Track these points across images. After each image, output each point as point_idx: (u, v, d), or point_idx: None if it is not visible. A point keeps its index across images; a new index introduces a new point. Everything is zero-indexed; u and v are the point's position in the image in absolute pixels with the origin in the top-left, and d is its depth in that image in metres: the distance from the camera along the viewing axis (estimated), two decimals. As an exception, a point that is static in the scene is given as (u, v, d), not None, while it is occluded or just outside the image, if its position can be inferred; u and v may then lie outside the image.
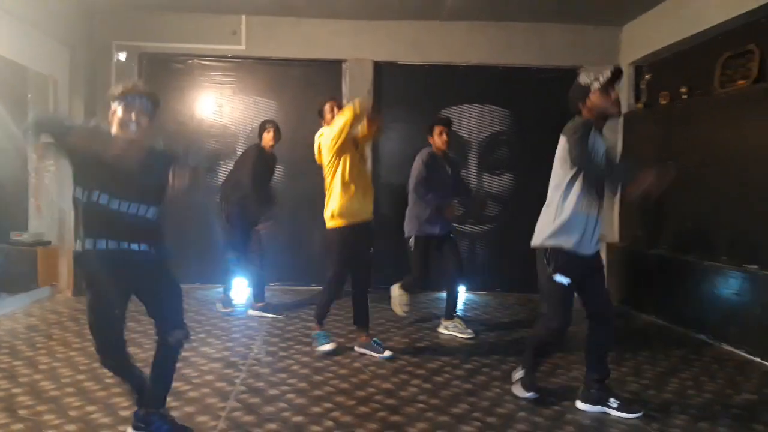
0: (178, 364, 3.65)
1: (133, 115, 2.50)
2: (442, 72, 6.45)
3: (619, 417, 3.05)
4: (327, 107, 4.09)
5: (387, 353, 3.97)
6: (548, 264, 3.01)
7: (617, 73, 2.93)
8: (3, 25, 4.75)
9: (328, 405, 3.16)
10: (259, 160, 5.00)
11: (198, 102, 6.44)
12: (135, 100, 2.53)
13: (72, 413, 2.93)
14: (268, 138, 5.05)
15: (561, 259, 2.98)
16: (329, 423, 2.93)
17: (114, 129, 2.51)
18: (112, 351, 2.64)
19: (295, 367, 3.74)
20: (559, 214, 2.98)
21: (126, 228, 2.52)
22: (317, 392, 3.34)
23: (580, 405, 3.19)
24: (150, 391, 2.68)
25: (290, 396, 3.27)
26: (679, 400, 3.38)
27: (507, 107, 6.53)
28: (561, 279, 2.99)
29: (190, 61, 6.42)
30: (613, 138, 6.37)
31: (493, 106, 6.51)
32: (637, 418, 3.04)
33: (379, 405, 3.18)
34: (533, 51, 6.35)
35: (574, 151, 2.89)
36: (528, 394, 3.24)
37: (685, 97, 5.40)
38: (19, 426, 2.77)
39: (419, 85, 6.50)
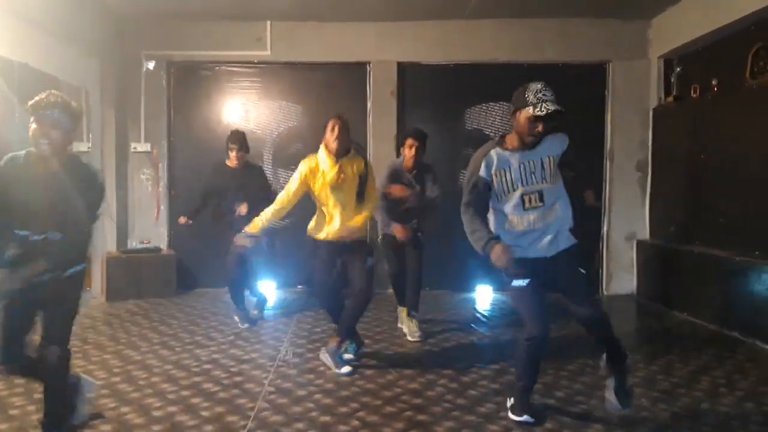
0: (208, 366, 3.77)
1: (45, 131, 2.43)
2: (467, 71, 6.42)
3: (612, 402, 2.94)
4: (329, 125, 3.78)
5: (345, 369, 3.72)
6: (504, 275, 2.93)
7: (553, 112, 2.80)
8: (35, 37, 4.90)
9: (355, 405, 3.18)
10: (214, 176, 5.01)
11: (225, 108, 6.54)
12: (47, 113, 2.44)
13: (108, 413, 3.01)
14: (231, 157, 4.92)
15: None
16: (356, 422, 2.95)
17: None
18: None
19: (322, 369, 3.77)
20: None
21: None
22: (344, 392, 3.36)
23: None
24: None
25: (317, 396, 3.30)
26: (710, 398, 3.30)
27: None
28: (518, 282, 2.87)
29: (217, 68, 6.53)
30: (643, 133, 6.29)
31: (520, 104, 6.45)
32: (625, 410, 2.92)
33: (406, 405, 3.18)
34: (560, 47, 6.29)
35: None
36: (521, 418, 2.95)
37: (716, 89, 5.27)
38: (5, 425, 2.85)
39: (444, 85, 6.48)
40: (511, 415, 2.98)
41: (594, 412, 3.09)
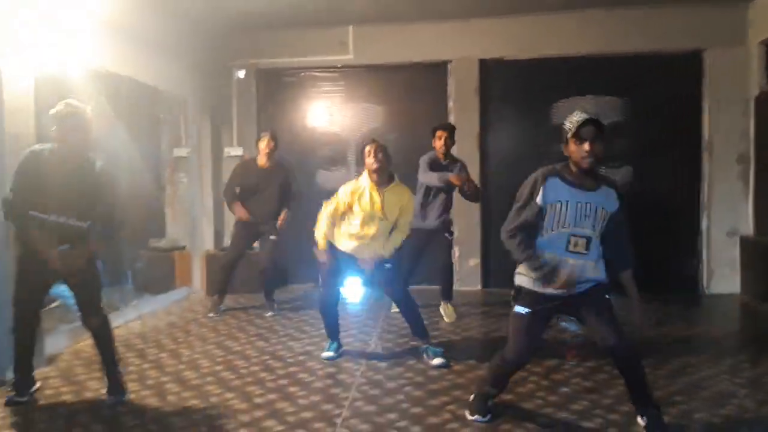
0: (302, 357, 3.93)
1: (63, 135, 2.98)
2: (551, 66, 6.30)
3: None
4: (366, 150, 3.74)
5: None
6: (513, 296, 2.87)
7: (584, 123, 2.61)
8: (139, 52, 5.29)
9: (445, 398, 3.22)
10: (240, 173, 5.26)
11: (310, 112, 6.76)
12: (65, 121, 2.97)
13: (213, 399, 3.22)
14: (261, 147, 5.15)
15: (521, 293, 2.82)
16: (447, 415, 2.99)
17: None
18: None
19: (411, 362, 3.84)
20: None
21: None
22: (433, 386, 3.42)
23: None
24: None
25: (408, 389, 3.37)
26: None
27: (623, 97, 6.25)
28: (519, 309, 2.81)
29: (301, 74, 6.77)
30: (744, 123, 5.93)
31: (608, 97, 6.26)
32: None
33: (497, 400, 3.18)
34: (650, 36, 6.02)
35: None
36: (474, 417, 2.95)
37: (826, 73, 4.90)
38: (169, 409, 3.09)
39: (527, 80, 6.39)
40: (466, 412, 3.00)
41: (693, 413, 2.97)
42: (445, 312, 5.01)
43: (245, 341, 4.37)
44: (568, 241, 2.70)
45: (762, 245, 5.61)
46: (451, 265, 5.22)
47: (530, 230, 2.77)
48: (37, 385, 3.30)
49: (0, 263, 3.52)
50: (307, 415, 3.00)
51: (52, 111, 3.02)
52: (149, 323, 4.99)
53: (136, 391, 3.35)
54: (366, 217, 3.71)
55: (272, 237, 5.18)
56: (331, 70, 6.71)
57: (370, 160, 3.68)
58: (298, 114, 6.79)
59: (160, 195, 6.55)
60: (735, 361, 3.78)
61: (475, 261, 6.30)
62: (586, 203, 2.69)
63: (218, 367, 3.76)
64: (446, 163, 4.88)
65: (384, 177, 3.73)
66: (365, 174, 3.79)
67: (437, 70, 6.51)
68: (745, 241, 5.86)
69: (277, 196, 5.15)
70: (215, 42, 6.58)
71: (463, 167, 4.98)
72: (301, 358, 3.96)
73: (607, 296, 2.82)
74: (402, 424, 2.89)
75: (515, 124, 6.35)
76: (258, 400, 3.19)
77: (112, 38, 4.85)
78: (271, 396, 3.26)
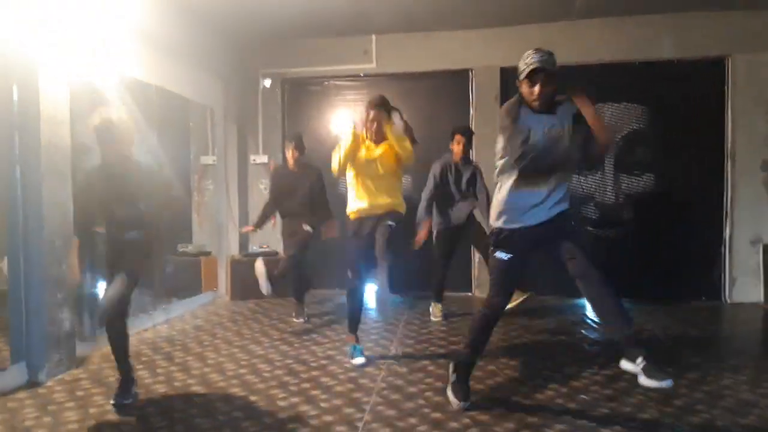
0: (324, 361, 4.01)
1: (102, 147, 3.19)
2: (573, 73, 6.18)
3: (645, 384, 2.74)
4: (368, 115, 4.05)
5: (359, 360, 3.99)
6: (491, 243, 3.07)
7: (531, 72, 2.83)
8: (168, 63, 5.46)
9: (465, 404, 3.26)
10: (275, 178, 5.46)
11: (334, 119, 6.87)
12: (102, 134, 3.15)
13: (237, 402, 3.31)
14: (287, 156, 5.32)
15: (498, 236, 3.04)
16: (466, 420, 3.04)
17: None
18: None
19: (431, 368, 3.90)
20: (496, 195, 3.08)
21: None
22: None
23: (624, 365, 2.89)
24: None
25: (428, 394, 3.42)
26: None
27: (645, 104, 6.23)
28: (500, 254, 3.02)
29: (326, 83, 6.89)
30: (768, 130, 5.87)
31: (630, 104, 6.25)
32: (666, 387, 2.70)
33: (516, 406, 3.23)
34: (674, 43, 6.01)
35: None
36: (459, 403, 3.14)
37: None
38: (194, 411, 3.20)
39: (549, 88, 6.40)
40: (449, 391, 3.21)
41: (714, 422, 2.97)
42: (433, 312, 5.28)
43: (269, 345, 4.47)
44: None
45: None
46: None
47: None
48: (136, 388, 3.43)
49: (39, 267, 3.68)
50: (329, 418, 3.07)
51: (90, 123, 3.18)
52: (177, 326, 5.13)
53: (163, 393, 3.47)
54: (366, 168, 3.99)
55: (306, 227, 5.25)
56: (355, 78, 6.82)
57: (370, 126, 4.02)
58: (322, 122, 6.90)
59: (188, 201, 6.71)
60: (757, 371, 3.76)
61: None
62: (554, 127, 2.91)
63: (243, 371, 3.86)
64: (461, 166, 5.05)
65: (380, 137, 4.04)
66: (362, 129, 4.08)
67: (459, 78, 6.57)
68: (767, 248, 5.79)
69: (309, 195, 5.25)
70: (242, 52, 6.73)
71: (477, 172, 5.09)
72: (323, 362, 4.04)
73: (572, 222, 3.10)
74: (423, 428, 2.94)
75: (537, 132, 6.35)
76: (281, 404, 3.27)
77: (144, 48, 5.02)
78: (294, 399, 3.34)
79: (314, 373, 3.81)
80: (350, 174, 4.05)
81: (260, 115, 6.86)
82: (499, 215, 3.04)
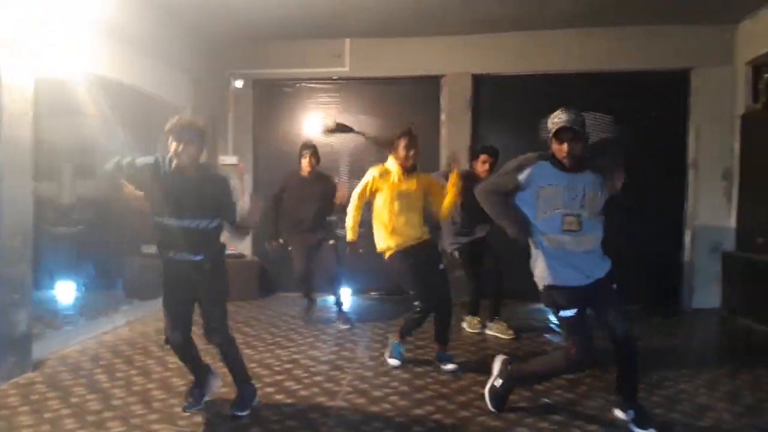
0: (289, 365, 3.98)
1: (180, 147, 2.96)
2: (543, 82, 6.40)
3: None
4: (401, 142, 3.95)
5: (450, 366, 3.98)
6: (550, 306, 3.02)
7: (558, 131, 2.91)
8: (136, 59, 5.36)
9: (430, 408, 3.27)
10: (287, 184, 5.32)
11: (306, 122, 6.84)
12: (179, 134, 2.97)
13: (198, 407, 3.25)
14: (304, 164, 5.22)
15: (553, 295, 2.96)
16: (431, 425, 3.04)
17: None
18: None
19: (396, 371, 3.89)
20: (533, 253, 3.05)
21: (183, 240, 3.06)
22: (419, 396, 3.46)
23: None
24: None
25: (393, 398, 3.41)
26: (804, 417, 3.16)
27: (613, 114, 6.35)
28: (565, 313, 2.93)
29: (298, 85, 6.85)
30: (729, 141, 6.04)
31: (599, 114, 6.36)
32: None
33: (479, 410, 3.24)
34: (640, 55, 6.15)
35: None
36: (490, 405, 3.21)
37: (810, 95, 5.01)
38: (154, 416, 3.12)
39: (519, 96, 6.49)
40: (486, 396, 3.22)
41: (673, 427, 3.02)
42: (469, 324, 5.04)
43: (233, 349, 4.40)
44: (562, 222, 2.89)
45: (743, 261, 5.71)
46: (497, 273, 4.88)
47: (503, 198, 3.01)
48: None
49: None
50: (291, 423, 3.04)
51: (168, 125, 3.04)
52: (138, 329, 5.02)
53: (122, 398, 3.39)
54: (395, 199, 3.91)
55: (331, 242, 5.27)
56: (327, 81, 6.80)
57: (402, 153, 3.91)
58: (293, 124, 6.86)
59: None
60: (714, 375, 3.85)
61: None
62: (575, 185, 2.90)
63: (206, 375, 3.79)
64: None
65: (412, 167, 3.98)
66: (391, 161, 3.99)
67: (431, 84, 6.61)
68: (727, 257, 5.95)
69: (319, 202, 5.18)
70: (213, 51, 6.66)
71: None
72: (288, 366, 4.00)
73: (614, 286, 2.97)
74: (386, 432, 2.94)
75: (506, 139, 6.40)
76: (244, 407, 3.23)
77: (111, 45, 4.92)
78: (255, 404, 3.29)
79: (278, 377, 3.77)
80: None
81: (231, 116, 6.79)
82: None
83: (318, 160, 5.26)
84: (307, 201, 5.17)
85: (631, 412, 2.99)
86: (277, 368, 3.96)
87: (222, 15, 5.69)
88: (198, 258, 3.07)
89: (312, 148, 5.23)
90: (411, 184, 3.95)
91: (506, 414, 3.19)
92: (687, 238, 6.16)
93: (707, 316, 5.75)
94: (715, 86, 6.10)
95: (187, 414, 3.14)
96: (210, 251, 3.12)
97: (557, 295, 2.93)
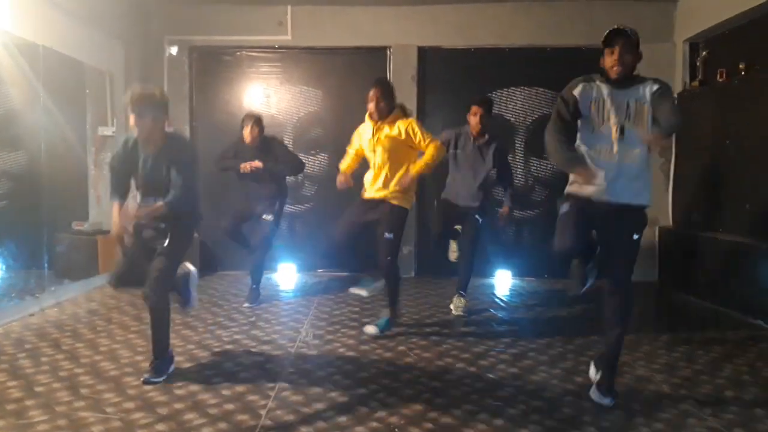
0: (229, 346, 3.83)
1: (137, 121, 3.03)
2: (487, 55, 6.36)
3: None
4: (369, 95, 3.97)
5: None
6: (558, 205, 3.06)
7: (612, 32, 2.86)
8: (60, 22, 4.97)
9: (374, 386, 3.20)
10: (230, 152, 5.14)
11: (247, 93, 6.57)
12: (137, 107, 3.00)
13: (130, 392, 3.07)
14: (245, 133, 5.00)
15: (568, 197, 3.01)
16: (375, 404, 2.97)
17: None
18: None
19: (341, 350, 3.81)
20: None
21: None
22: (363, 374, 3.39)
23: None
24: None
25: (337, 378, 3.33)
26: (733, 386, 3.27)
27: (556, 89, 6.38)
28: (564, 208, 2.96)
29: (238, 53, 6.55)
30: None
31: (542, 89, 6.38)
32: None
33: (424, 387, 3.20)
34: (582, 30, 6.17)
35: None
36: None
37: (744, 73, 5.16)
38: (81, 404, 2.93)
39: (464, 69, 6.43)
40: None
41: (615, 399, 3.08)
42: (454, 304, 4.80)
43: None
44: (611, 131, 2.84)
45: (678, 236, 5.90)
46: (469, 252, 4.73)
47: (566, 137, 2.94)
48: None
49: None
50: (230, 406, 2.91)
51: (126, 97, 3.04)
52: (68, 310, 4.74)
53: (47, 384, 3.17)
54: (369, 151, 4.02)
55: (266, 217, 4.99)
56: (269, 50, 6.54)
57: (369, 105, 3.95)
58: (233, 94, 6.58)
59: (84, 176, 6.21)
60: (651, 348, 3.95)
61: (408, 249, 6.31)
62: (620, 99, 2.85)
63: (138, 357, 3.59)
64: (479, 141, 4.65)
65: (383, 114, 3.95)
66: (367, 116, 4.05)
67: (377, 56, 6.45)
68: (663, 232, 6.13)
69: (269, 173, 4.95)
70: (146, 14, 6.27)
71: (497, 150, 4.68)
72: (228, 347, 3.86)
73: (634, 235, 2.94)
74: (329, 414, 2.85)
75: (451, 113, 6.35)
76: (179, 392, 3.07)
77: (27, 3, 4.53)
78: (194, 387, 3.14)
79: (217, 359, 3.62)
80: None
81: (165, 85, 6.42)
82: None
83: (262, 129, 5.02)
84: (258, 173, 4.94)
85: (599, 373, 3.07)
86: (217, 349, 3.81)
87: (154, -24, 5.34)
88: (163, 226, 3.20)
89: (254, 118, 4.99)
90: (380, 138, 3.95)
91: (451, 390, 3.16)
92: (626, 213, 6.30)
93: (644, 290, 5.92)
94: (654, 63, 6.10)
95: (117, 400, 2.96)
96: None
97: (568, 196, 2.96)
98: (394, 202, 3.98)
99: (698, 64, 5.99)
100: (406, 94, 6.30)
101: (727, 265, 5.03)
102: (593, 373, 3.15)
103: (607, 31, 2.85)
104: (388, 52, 6.39)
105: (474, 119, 4.59)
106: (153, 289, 3.16)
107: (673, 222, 6.17)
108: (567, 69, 6.21)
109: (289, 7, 6.33)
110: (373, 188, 4.03)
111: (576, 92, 2.93)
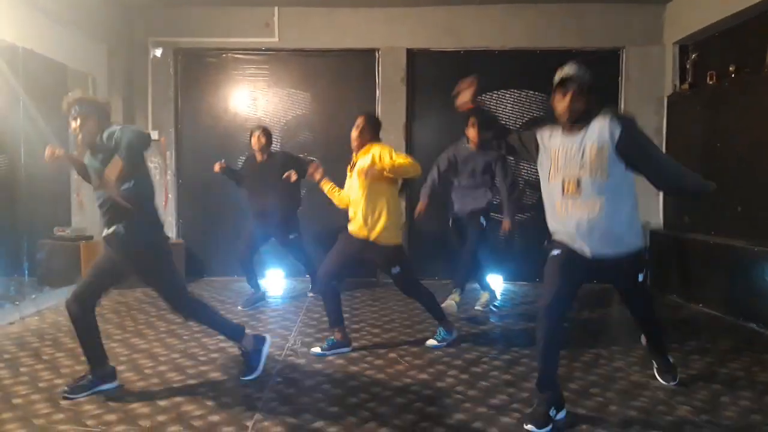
0: (215, 355, 3.73)
1: (73, 126, 2.98)
2: (477, 58, 6.31)
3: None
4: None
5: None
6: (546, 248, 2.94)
7: (563, 79, 2.74)
8: (43, 24, 4.86)
9: (365, 396, 3.12)
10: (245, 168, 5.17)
11: (232, 96, 6.47)
12: (71, 111, 2.96)
13: (111, 404, 2.96)
14: (252, 141, 4.98)
15: (553, 240, 2.91)
16: (365, 413, 2.89)
17: None
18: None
19: (330, 358, 3.72)
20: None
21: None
22: (353, 383, 3.31)
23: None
24: None
25: (326, 387, 3.24)
26: (729, 390, 3.22)
27: (546, 92, 6.32)
28: (554, 251, 2.83)
29: (224, 55, 6.46)
30: (657, 121, 6.16)
31: (532, 92, 6.34)
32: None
33: (416, 396, 3.12)
34: (572, 33, 6.17)
35: None
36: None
37: (734, 76, 5.15)
38: (60, 416, 2.82)
39: (453, 71, 6.27)
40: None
41: (609, 405, 3.01)
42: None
43: (154, 338, 4.11)
44: (562, 187, 2.74)
45: (670, 238, 5.87)
46: (470, 252, 4.74)
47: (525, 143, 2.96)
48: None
49: None
50: (215, 418, 2.80)
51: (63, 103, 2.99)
52: (49, 318, 4.61)
53: (25, 395, 3.05)
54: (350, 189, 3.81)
55: (291, 236, 5.08)
56: (256, 52, 6.46)
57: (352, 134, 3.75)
58: (219, 97, 6.48)
59: (66, 180, 6.08)
60: (645, 352, 3.89)
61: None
62: (571, 146, 2.72)
63: (121, 367, 3.47)
64: (476, 153, 4.61)
65: (358, 146, 3.75)
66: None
67: (365, 58, 6.39)
68: (654, 235, 6.10)
69: (279, 188, 4.88)
70: (129, 16, 6.16)
71: (496, 161, 4.64)
72: (214, 356, 3.75)
73: (639, 277, 2.90)
74: (318, 424, 2.76)
75: (441, 115, 6.31)
76: (162, 403, 2.96)
77: (8, 5, 4.41)
78: (178, 398, 3.04)
79: (203, 368, 3.51)
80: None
81: (150, 87, 6.32)
82: None
83: (270, 141, 4.99)
84: (266, 188, 4.92)
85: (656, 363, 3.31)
86: (203, 358, 3.70)
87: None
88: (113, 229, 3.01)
89: (261, 128, 4.99)
90: (357, 171, 3.67)
91: (443, 399, 3.09)
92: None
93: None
94: (644, 66, 6.19)
95: (97, 413, 2.85)
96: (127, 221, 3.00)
97: (554, 240, 2.86)
98: (382, 242, 3.70)
99: (688, 66, 5.98)
100: (395, 96, 6.26)
101: (719, 267, 5.00)
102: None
103: (558, 77, 2.73)
104: (377, 54, 6.33)
105: (472, 131, 4.52)
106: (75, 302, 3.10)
107: (664, 225, 6.15)
108: (555, 71, 6.30)
109: (276, 9, 6.26)
110: (354, 225, 3.76)
111: (539, 136, 2.89)
